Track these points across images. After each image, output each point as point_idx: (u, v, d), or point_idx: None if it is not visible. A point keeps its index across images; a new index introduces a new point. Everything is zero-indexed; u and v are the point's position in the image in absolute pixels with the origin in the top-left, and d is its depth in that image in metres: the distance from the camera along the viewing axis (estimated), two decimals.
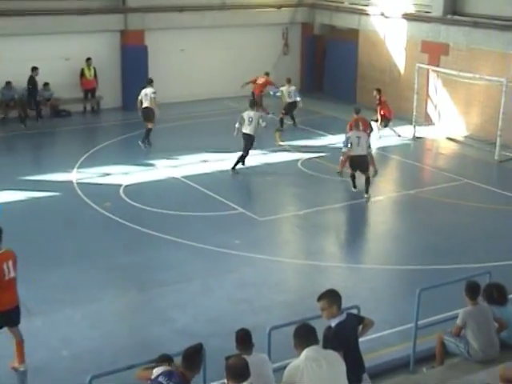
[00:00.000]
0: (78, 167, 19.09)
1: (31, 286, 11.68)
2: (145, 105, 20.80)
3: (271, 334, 8.31)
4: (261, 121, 19.00)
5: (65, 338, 10.74)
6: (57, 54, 24.33)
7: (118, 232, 14.97)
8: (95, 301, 11.93)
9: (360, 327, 7.97)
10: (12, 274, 9.38)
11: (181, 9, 25.91)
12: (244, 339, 7.51)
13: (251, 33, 27.79)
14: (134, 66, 25.23)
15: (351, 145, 16.79)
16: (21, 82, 23.22)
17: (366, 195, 17.08)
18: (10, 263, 9.35)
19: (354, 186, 17.40)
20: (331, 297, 7.58)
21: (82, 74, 24.72)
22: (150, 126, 20.93)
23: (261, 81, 24.63)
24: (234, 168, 19.02)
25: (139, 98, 20.93)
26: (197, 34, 26.69)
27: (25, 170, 18.89)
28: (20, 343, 9.70)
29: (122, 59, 25.54)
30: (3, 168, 18.96)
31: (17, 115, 23.59)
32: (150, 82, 21.05)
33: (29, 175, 18.37)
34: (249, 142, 18.98)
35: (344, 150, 17.13)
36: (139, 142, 20.93)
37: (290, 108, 23.47)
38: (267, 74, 24.98)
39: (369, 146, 17.12)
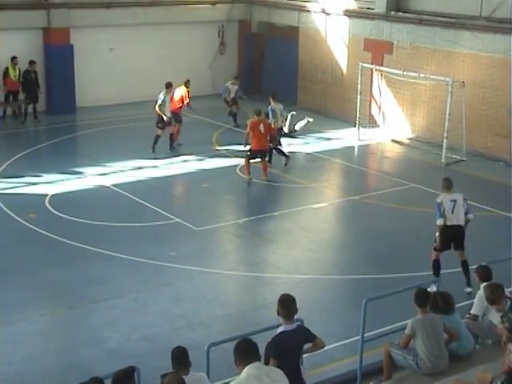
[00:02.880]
0: None
1: None
2: None
3: (210, 351, 8.27)
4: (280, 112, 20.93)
5: None
6: None
7: (43, 246, 14.73)
8: (18, 321, 11.69)
9: (309, 345, 8.02)
10: None
11: (108, 5, 25.75)
12: (180, 358, 7.47)
13: (185, 31, 27.79)
14: (59, 66, 24.91)
15: None
16: None
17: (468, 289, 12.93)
18: None
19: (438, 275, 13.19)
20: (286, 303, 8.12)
21: (6, 73, 24.03)
22: (159, 132, 21.12)
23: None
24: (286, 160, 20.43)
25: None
26: (127, 31, 26.54)
27: None
28: None
29: (45, 59, 25.12)
30: None
31: None
32: (166, 87, 20.96)
33: None
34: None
35: None
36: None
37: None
38: None
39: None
